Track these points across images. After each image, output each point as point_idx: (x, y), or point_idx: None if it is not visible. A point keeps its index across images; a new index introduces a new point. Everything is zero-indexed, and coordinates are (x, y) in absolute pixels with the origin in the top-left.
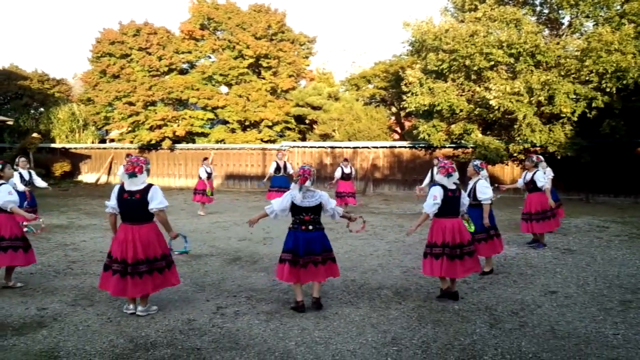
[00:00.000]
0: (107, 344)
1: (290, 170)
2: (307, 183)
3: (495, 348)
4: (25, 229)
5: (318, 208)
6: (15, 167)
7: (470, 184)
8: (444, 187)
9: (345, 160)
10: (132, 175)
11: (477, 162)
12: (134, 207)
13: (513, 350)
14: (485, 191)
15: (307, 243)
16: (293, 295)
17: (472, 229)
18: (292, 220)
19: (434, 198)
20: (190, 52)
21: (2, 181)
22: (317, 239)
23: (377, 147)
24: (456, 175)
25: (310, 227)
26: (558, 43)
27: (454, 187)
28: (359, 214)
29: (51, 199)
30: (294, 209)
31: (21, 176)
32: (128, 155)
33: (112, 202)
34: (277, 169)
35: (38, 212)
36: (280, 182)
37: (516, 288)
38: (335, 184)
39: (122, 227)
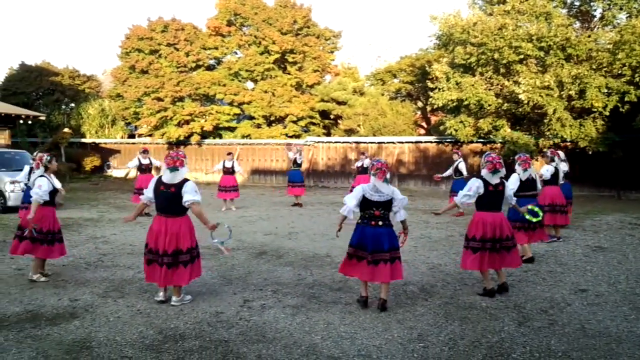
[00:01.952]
0: (137, 335)
1: (299, 159)
2: (388, 176)
3: (523, 346)
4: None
5: (389, 204)
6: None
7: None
8: (485, 180)
9: (363, 153)
10: (173, 169)
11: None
12: (168, 199)
13: (542, 349)
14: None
15: (375, 239)
16: (319, 289)
17: (539, 216)
18: (361, 215)
19: (469, 190)
20: (216, 48)
21: (43, 173)
22: (385, 235)
23: (402, 142)
24: (503, 171)
25: (380, 223)
26: (589, 36)
27: (497, 181)
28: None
29: (82, 192)
30: (364, 203)
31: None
32: (145, 151)
33: (149, 193)
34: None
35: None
36: (292, 176)
37: (545, 286)
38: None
39: (155, 219)
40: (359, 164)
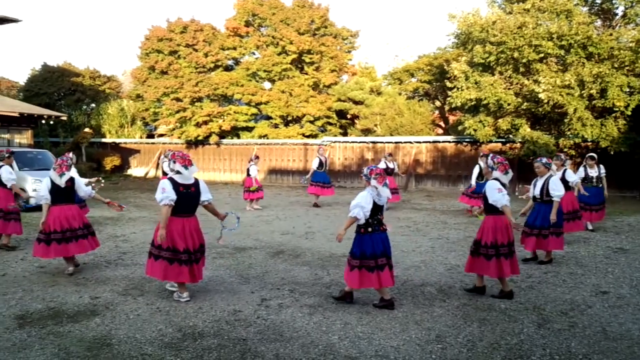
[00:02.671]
0: (157, 332)
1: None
2: (387, 181)
3: (543, 348)
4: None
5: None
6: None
7: (541, 180)
8: (500, 182)
9: (390, 155)
10: (186, 167)
11: (544, 160)
12: (191, 199)
13: (562, 351)
14: (558, 188)
15: (389, 243)
16: (335, 289)
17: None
18: (369, 223)
19: (500, 190)
20: (235, 49)
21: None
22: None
23: (419, 142)
24: (511, 173)
25: (384, 227)
26: (611, 34)
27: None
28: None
29: (102, 192)
30: (374, 208)
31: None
32: (173, 153)
33: (172, 195)
34: (320, 164)
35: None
36: (322, 177)
37: (565, 288)
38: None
39: (178, 221)
40: (390, 165)
